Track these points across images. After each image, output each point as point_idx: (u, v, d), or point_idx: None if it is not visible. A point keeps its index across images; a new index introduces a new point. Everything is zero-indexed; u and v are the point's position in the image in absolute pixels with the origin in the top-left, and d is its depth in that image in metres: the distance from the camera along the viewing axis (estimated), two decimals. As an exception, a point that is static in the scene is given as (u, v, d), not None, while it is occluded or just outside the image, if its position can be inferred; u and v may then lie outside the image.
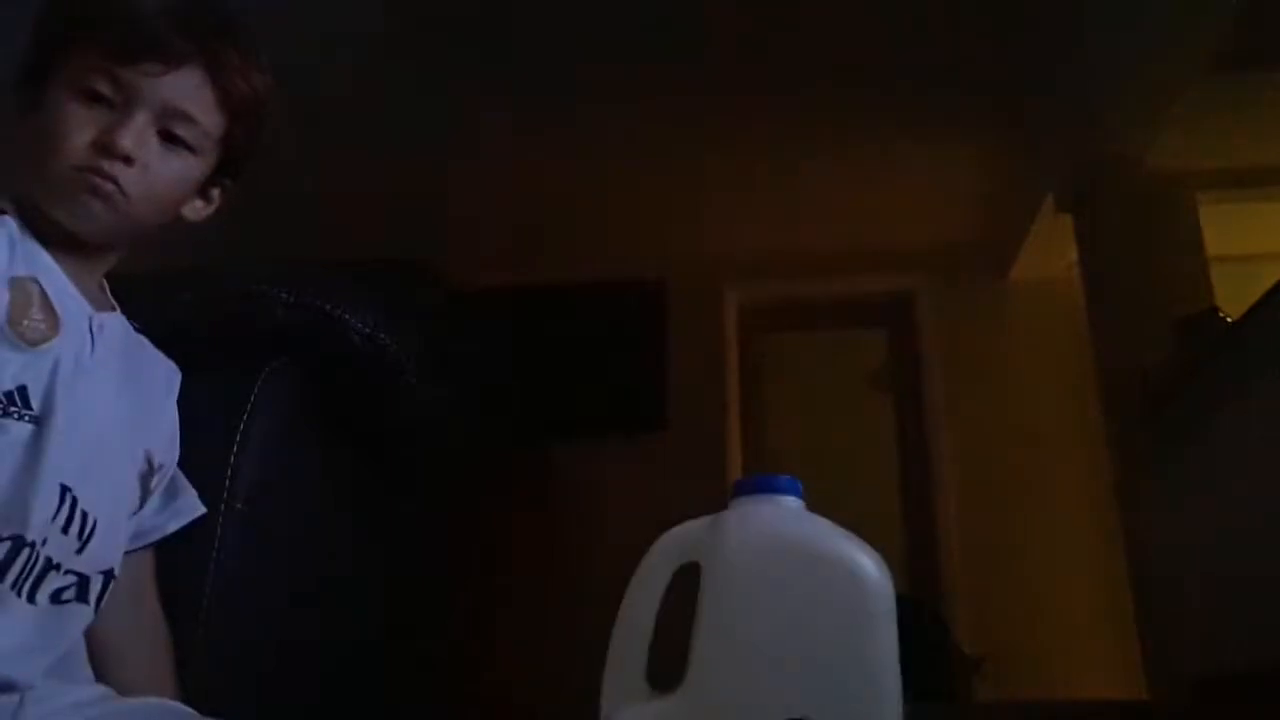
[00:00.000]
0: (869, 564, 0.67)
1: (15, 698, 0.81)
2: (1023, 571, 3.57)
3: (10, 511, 0.82)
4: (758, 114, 3.32)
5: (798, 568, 0.66)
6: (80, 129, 0.88)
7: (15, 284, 0.85)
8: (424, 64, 3.01)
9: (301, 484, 1.37)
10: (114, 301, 1.00)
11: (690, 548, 0.69)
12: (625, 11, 2.86)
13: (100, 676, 0.95)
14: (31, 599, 0.84)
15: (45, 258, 0.90)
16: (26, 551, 0.83)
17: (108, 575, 0.93)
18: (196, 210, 1.00)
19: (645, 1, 2.84)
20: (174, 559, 1.09)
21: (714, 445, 3.93)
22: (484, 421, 2.25)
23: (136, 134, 0.89)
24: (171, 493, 1.07)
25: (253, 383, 1.26)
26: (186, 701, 0.94)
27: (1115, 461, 3.11)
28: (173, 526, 1.07)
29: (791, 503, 0.70)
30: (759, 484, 0.70)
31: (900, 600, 0.67)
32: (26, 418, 0.84)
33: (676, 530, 0.71)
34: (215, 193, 1.01)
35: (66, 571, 0.87)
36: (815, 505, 0.71)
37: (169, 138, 0.92)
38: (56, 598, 0.87)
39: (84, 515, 0.88)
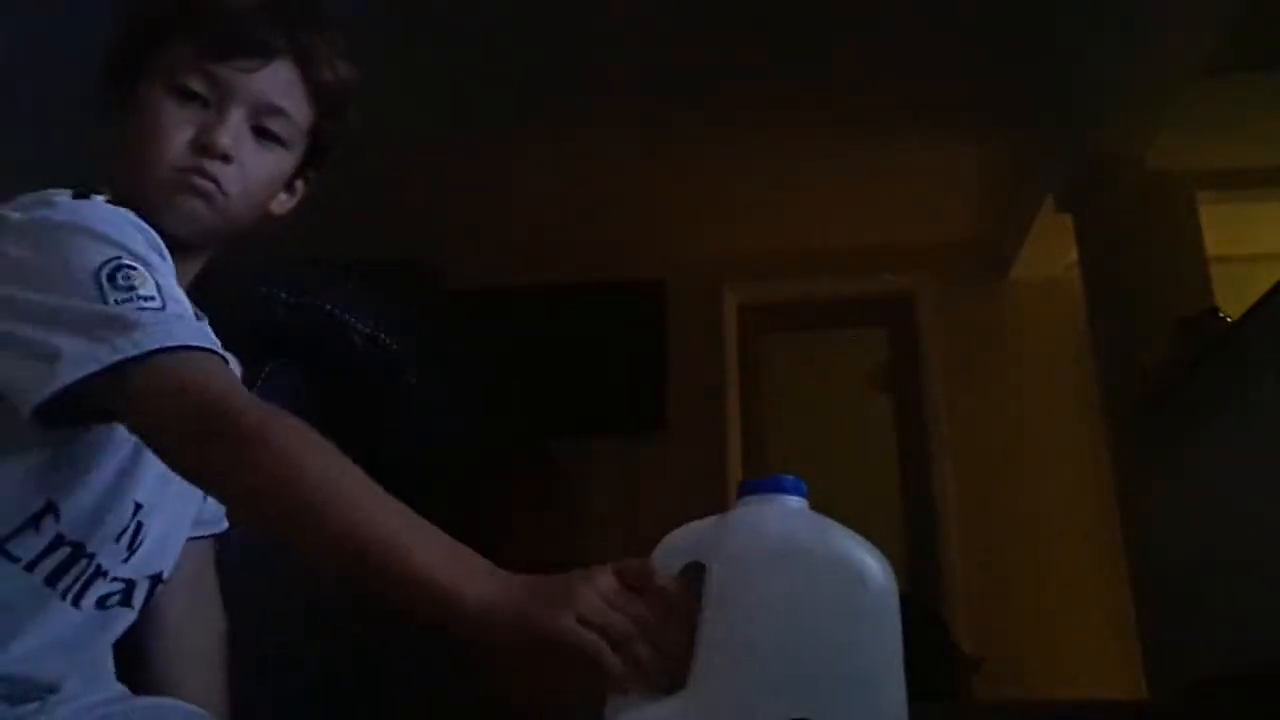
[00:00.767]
0: (875, 565, 0.67)
1: (41, 700, 0.81)
2: (1023, 571, 3.56)
3: (82, 521, 0.82)
4: (758, 114, 3.31)
5: (803, 568, 0.66)
6: (179, 128, 0.87)
7: None
8: (424, 63, 3.01)
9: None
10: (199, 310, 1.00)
11: (695, 547, 0.68)
12: (625, 12, 2.86)
13: (150, 665, 0.95)
14: (77, 604, 0.84)
15: None
16: (85, 561, 0.83)
17: (155, 579, 0.93)
18: (282, 204, 0.99)
19: (646, 2, 2.85)
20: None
21: (714, 445, 3.93)
22: (484, 421, 2.25)
23: (234, 132, 0.88)
24: None
25: (253, 383, 1.26)
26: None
27: (1115, 461, 3.11)
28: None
29: (796, 503, 0.70)
30: (765, 484, 0.70)
31: (900, 600, 0.67)
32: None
33: (682, 530, 0.71)
34: (299, 184, 1.00)
35: (114, 579, 0.87)
36: (815, 505, 0.71)
37: (261, 133, 0.91)
38: (102, 603, 0.87)
39: (139, 526, 0.88)
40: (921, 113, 3.31)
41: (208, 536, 1.05)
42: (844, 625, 0.65)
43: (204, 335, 0.76)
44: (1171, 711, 2.48)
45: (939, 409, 3.96)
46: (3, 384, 0.74)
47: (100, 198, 0.84)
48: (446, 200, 3.67)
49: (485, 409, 2.28)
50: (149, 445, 0.77)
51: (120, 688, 0.92)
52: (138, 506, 0.87)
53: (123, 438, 0.83)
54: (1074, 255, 3.49)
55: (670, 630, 0.64)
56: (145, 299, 0.74)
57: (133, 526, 0.87)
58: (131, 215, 0.82)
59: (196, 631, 1.02)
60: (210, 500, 1.03)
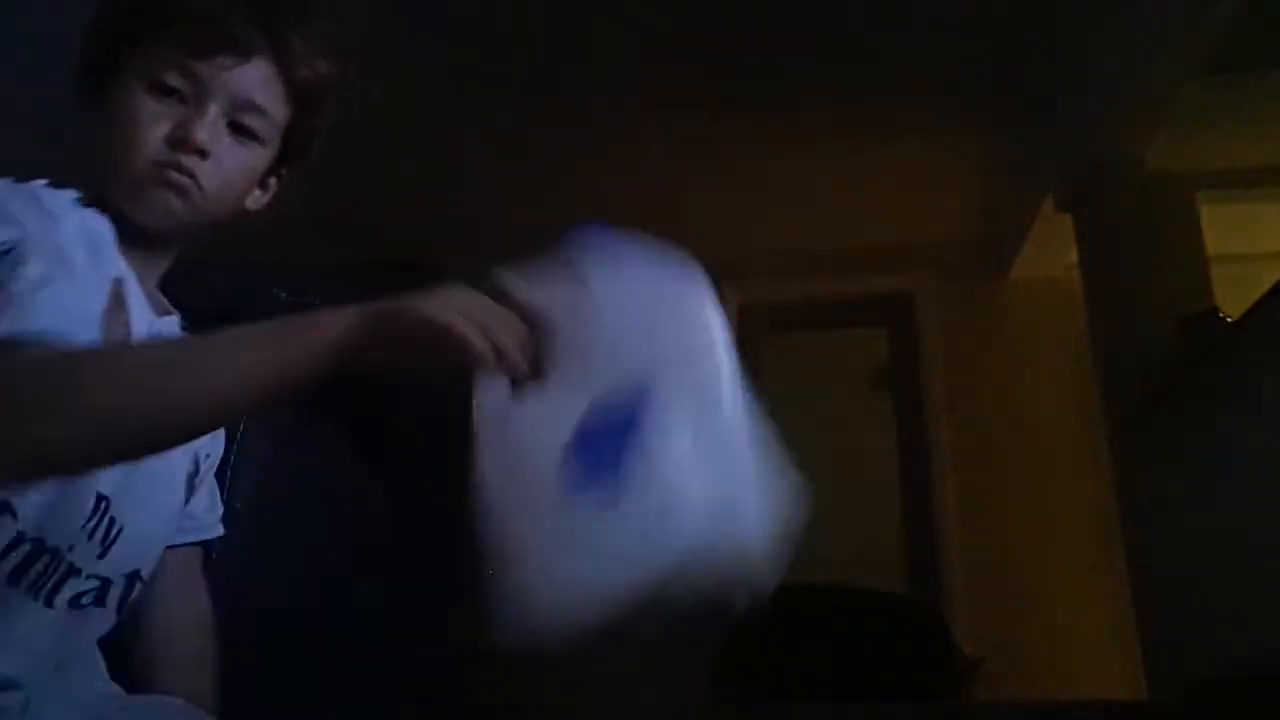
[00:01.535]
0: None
1: (21, 696, 0.80)
2: (1023, 571, 3.57)
3: (41, 517, 0.82)
4: (758, 113, 3.31)
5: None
6: (155, 123, 0.87)
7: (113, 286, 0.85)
8: (424, 63, 3.01)
9: (300, 484, 1.37)
10: (169, 305, 0.98)
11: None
12: (626, 13, 2.86)
13: (142, 669, 0.95)
14: (49, 603, 0.84)
15: (121, 259, 0.89)
16: (47, 557, 0.83)
17: (133, 577, 0.92)
18: (257, 200, 0.99)
19: (646, 2, 2.85)
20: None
21: (713, 445, 3.92)
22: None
23: (211, 127, 0.88)
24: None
25: (252, 383, 1.26)
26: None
27: (1115, 461, 3.11)
28: (221, 531, 1.07)
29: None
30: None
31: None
32: None
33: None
34: (273, 182, 1.00)
35: (88, 576, 0.87)
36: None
37: (238, 129, 0.91)
38: (75, 602, 0.86)
39: (111, 521, 0.87)
40: (922, 113, 3.32)
41: (196, 544, 1.05)
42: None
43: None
44: (1171, 711, 2.48)
45: (939, 409, 3.96)
46: None
47: (70, 191, 0.85)
48: (446, 200, 3.67)
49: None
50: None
51: (112, 687, 0.92)
52: (103, 499, 0.86)
53: None
54: (1074, 255, 3.49)
55: (532, 333, 0.70)
56: None
57: (104, 522, 0.86)
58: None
59: (187, 637, 1.02)
60: (195, 504, 1.03)
